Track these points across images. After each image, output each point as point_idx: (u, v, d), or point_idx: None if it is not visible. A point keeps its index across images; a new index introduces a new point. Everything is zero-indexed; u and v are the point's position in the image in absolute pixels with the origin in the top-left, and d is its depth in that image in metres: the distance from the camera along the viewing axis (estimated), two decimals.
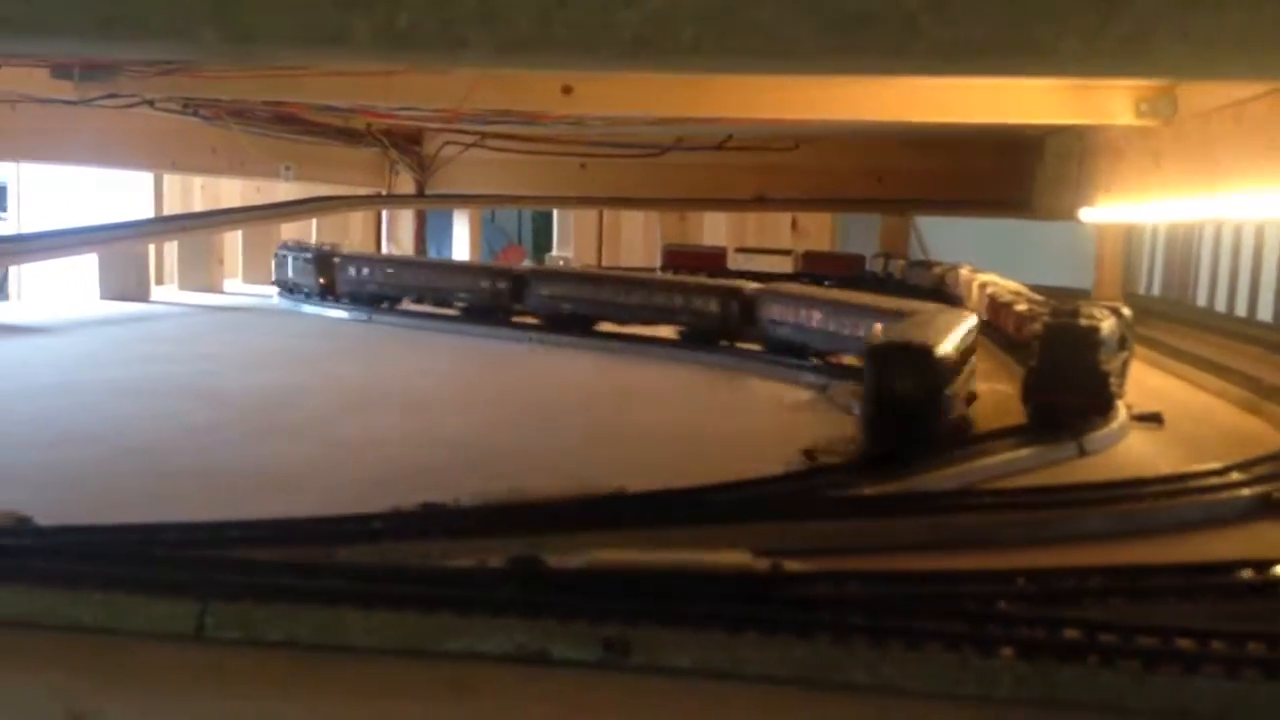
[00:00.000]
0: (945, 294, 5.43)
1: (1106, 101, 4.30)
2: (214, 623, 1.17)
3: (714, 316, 3.54)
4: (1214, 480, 1.96)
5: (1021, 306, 3.58)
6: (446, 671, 1.12)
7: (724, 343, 3.60)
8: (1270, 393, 2.93)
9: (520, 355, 3.70)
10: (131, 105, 4.82)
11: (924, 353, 2.02)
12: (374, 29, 0.90)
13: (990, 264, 7.17)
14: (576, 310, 3.87)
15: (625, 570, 1.30)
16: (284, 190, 6.72)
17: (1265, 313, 6.16)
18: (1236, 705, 1.09)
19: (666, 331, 3.81)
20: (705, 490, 1.72)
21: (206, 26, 0.82)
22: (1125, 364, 2.78)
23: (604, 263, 8.87)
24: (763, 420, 2.69)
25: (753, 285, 3.75)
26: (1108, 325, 2.46)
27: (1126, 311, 2.87)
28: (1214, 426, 2.79)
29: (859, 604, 1.25)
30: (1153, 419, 2.71)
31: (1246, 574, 1.39)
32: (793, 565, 1.41)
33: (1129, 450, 2.47)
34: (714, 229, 9.29)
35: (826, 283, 6.66)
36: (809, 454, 2.04)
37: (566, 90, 4.44)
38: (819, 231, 9.33)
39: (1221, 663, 1.12)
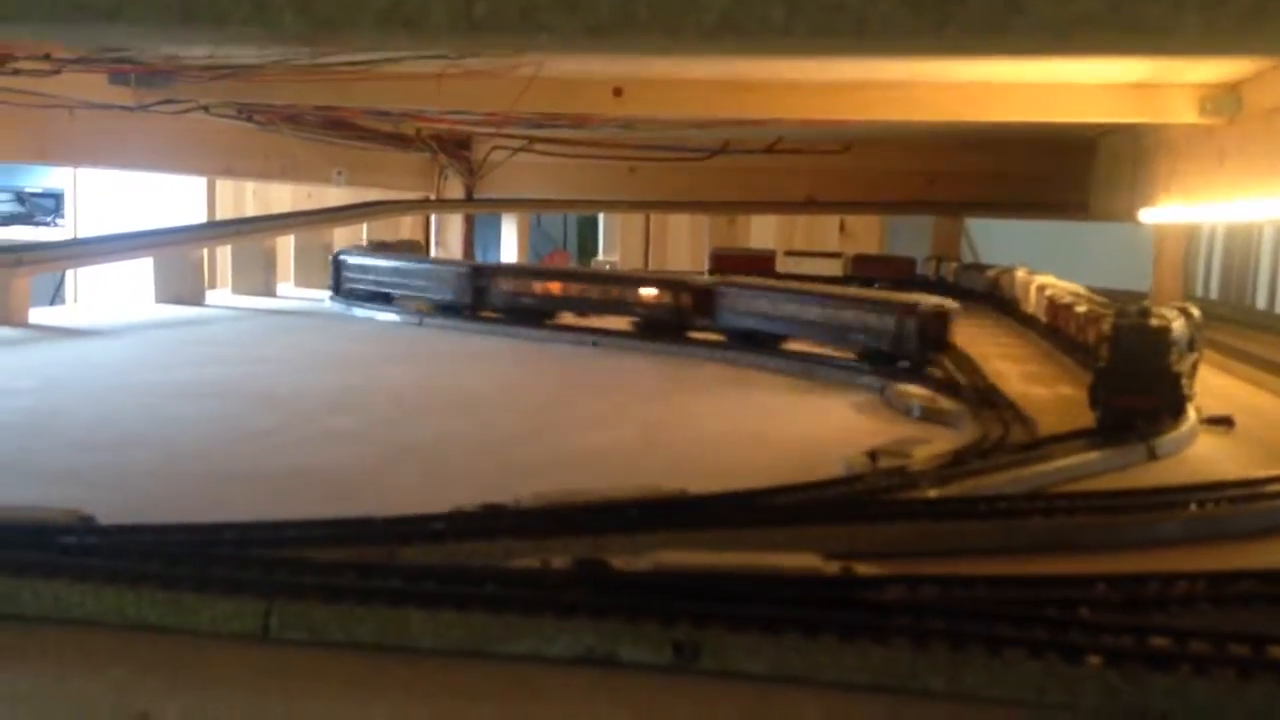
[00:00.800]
0: (999, 297, 5.35)
1: (1168, 100, 4.21)
2: (279, 623, 1.15)
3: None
4: None
5: (1082, 308, 3.49)
6: (512, 673, 1.10)
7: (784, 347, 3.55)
8: None
9: (585, 356, 3.69)
10: (187, 111, 4.89)
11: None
12: (451, 14, 0.88)
13: (1042, 266, 7.07)
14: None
15: (693, 572, 1.28)
16: (334, 195, 6.79)
17: None
18: None
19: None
20: (768, 492, 1.68)
21: (287, 12, 0.81)
22: (1195, 365, 2.70)
23: (650, 266, 8.86)
24: (823, 425, 2.64)
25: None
26: (1178, 325, 2.39)
27: (1195, 312, 2.78)
28: (1260, 424, 2.70)
29: (935, 609, 1.20)
30: (1224, 422, 2.63)
31: None
32: (863, 568, 1.38)
33: (1200, 454, 2.39)
34: (761, 232, 9.24)
35: (877, 285, 6.60)
36: (873, 456, 2.00)
37: (617, 92, 4.44)
38: (867, 234, 9.24)
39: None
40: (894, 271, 6.61)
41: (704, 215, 7.53)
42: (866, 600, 1.23)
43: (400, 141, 6.76)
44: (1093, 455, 2.11)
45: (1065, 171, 6.61)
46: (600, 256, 9.76)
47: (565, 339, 3.94)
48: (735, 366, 3.50)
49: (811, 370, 3.34)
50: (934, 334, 2.97)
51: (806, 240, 9.13)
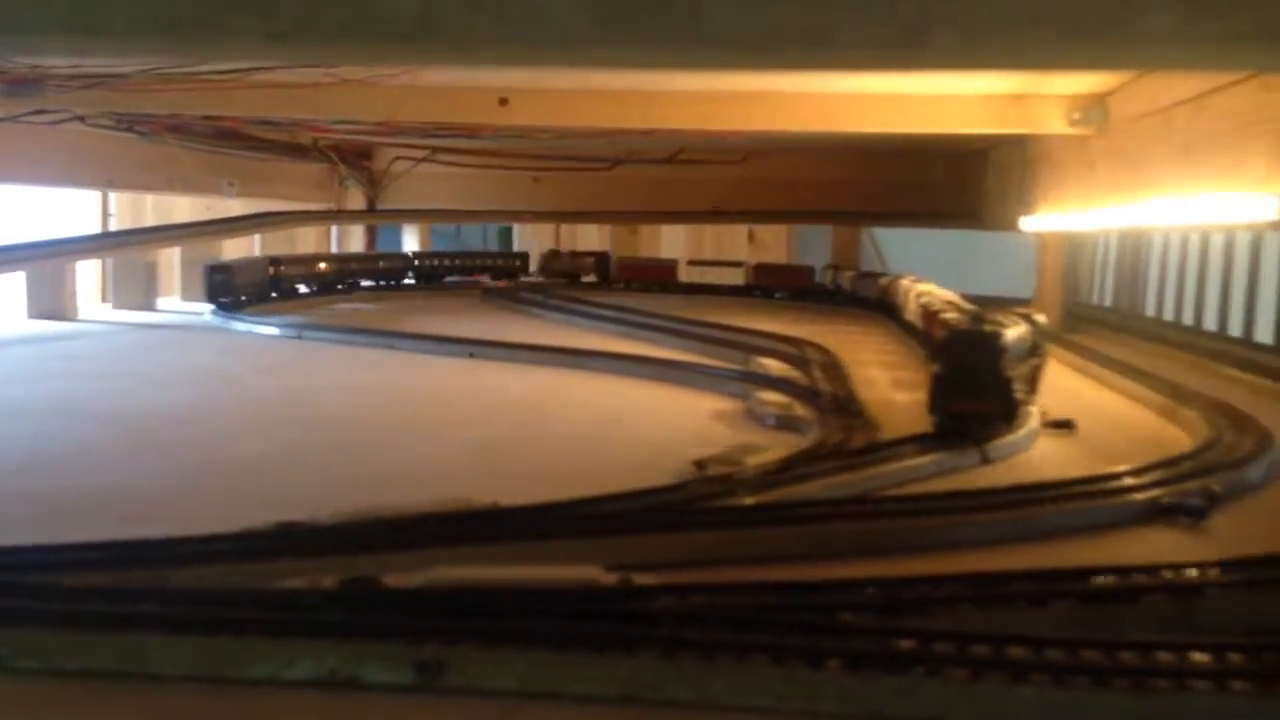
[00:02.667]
0: (889, 304, 5.43)
1: (1040, 111, 4.32)
2: (10, 651, 1.11)
3: None
4: (1105, 486, 1.94)
5: (950, 315, 3.56)
6: (247, 699, 1.07)
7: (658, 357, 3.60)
8: (1186, 398, 2.92)
9: (454, 368, 3.66)
10: (61, 121, 4.76)
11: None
12: (131, 18, 0.86)
13: (948, 274, 7.19)
14: None
15: (463, 588, 1.26)
16: (236, 208, 6.66)
17: (1210, 322, 6.20)
18: (1061, 714, 1.06)
19: (611, 344, 3.79)
20: (580, 503, 1.67)
21: None
22: (1037, 371, 2.76)
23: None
24: (678, 430, 2.65)
25: None
26: (1012, 332, 2.44)
27: (1041, 318, 2.85)
28: (1127, 432, 2.78)
29: (694, 617, 1.21)
30: (1065, 425, 2.70)
31: (1103, 580, 1.36)
32: (642, 578, 1.38)
33: (1037, 457, 2.45)
34: (672, 242, 9.29)
35: (777, 295, 6.68)
36: (699, 464, 2.00)
37: (503, 102, 4.42)
38: (776, 243, 9.35)
39: (1050, 671, 1.09)
40: (793, 280, 6.69)
41: (607, 225, 7.54)
42: (628, 611, 1.22)
43: (296, 152, 6.66)
44: (922, 460, 2.14)
45: (960, 182, 6.76)
46: None
47: (443, 350, 3.90)
48: (614, 373, 3.50)
49: (682, 376, 3.36)
50: None
51: (716, 249, 9.20)
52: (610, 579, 1.34)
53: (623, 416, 2.89)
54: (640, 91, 4.38)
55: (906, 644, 1.13)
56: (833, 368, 3.45)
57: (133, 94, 4.18)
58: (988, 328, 2.38)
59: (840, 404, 2.77)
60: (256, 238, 6.46)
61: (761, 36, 0.79)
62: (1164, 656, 1.13)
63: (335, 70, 3.86)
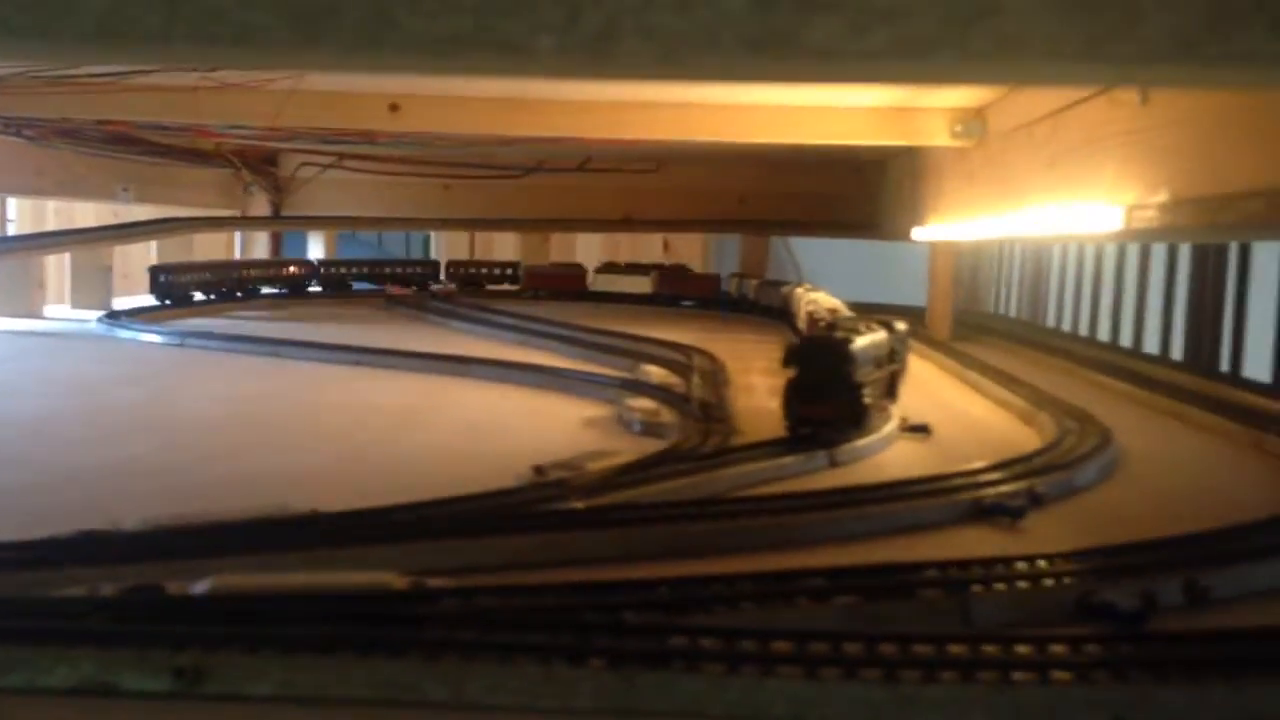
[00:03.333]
0: (788, 312, 5.51)
1: (923, 123, 4.43)
2: None
3: None
4: (932, 487, 1.99)
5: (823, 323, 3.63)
6: (3, 708, 1.06)
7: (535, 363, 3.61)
8: (1044, 403, 3.01)
9: (337, 376, 3.63)
10: None
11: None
12: None
13: (863, 283, 7.32)
14: None
15: (235, 595, 1.26)
16: (142, 213, 6.52)
17: (1104, 333, 6.40)
18: (810, 706, 1.09)
19: (505, 352, 3.78)
20: (397, 509, 1.68)
21: None
22: (895, 377, 2.83)
23: None
24: (545, 437, 2.66)
25: None
26: (863, 340, 2.49)
27: (901, 326, 2.92)
28: (983, 436, 2.85)
29: (477, 619, 1.22)
30: (921, 430, 2.77)
31: (883, 577, 1.40)
32: (437, 582, 1.38)
33: (889, 460, 2.50)
34: (587, 249, 9.31)
35: (685, 303, 6.73)
36: (538, 470, 2.02)
37: (394, 108, 4.40)
38: (690, 252, 9.43)
39: (802, 664, 1.12)
40: (700, 288, 6.75)
41: (518, 233, 7.53)
42: (412, 615, 1.23)
43: (198, 157, 6.54)
44: (763, 464, 2.18)
45: (863, 192, 6.88)
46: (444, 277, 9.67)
47: (329, 358, 3.87)
48: (483, 381, 3.50)
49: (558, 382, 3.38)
50: None
51: (631, 256, 9.23)
52: (401, 583, 1.35)
53: (495, 424, 2.89)
54: (533, 99, 4.39)
55: (675, 641, 1.16)
56: (713, 375, 3.49)
57: (13, 97, 4.09)
58: (838, 335, 2.44)
59: (706, 410, 2.80)
60: (153, 244, 6.33)
61: (448, 42, 0.80)
62: (920, 649, 1.17)
63: (215, 74, 3.81)
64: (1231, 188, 2.17)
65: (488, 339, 4.75)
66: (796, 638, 1.17)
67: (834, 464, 2.34)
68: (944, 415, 3.22)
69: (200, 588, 1.29)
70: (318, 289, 6.67)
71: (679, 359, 3.84)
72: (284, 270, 6.62)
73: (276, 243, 7.58)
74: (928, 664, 1.13)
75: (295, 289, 6.47)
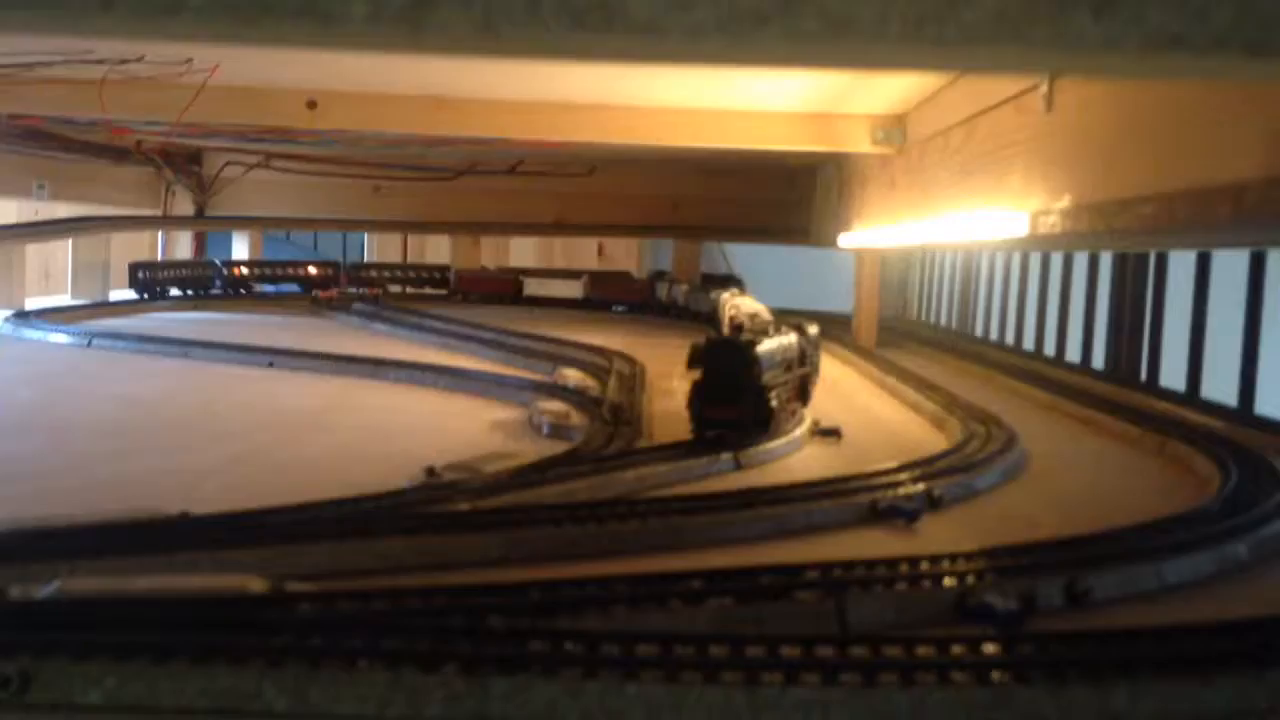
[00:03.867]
0: (717, 317, 5.50)
1: (845, 130, 4.45)
2: None
3: None
4: (829, 489, 1.98)
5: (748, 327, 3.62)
6: None
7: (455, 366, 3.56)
8: (955, 409, 3.03)
9: (246, 377, 3.53)
10: None
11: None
12: None
13: (799, 289, 7.36)
14: None
15: (76, 600, 1.20)
16: (63, 211, 6.34)
17: (1029, 342, 6.50)
18: (668, 710, 1.06)
19: (413, 354, 3.71)
20: (271, 512, 1.62)
21: None
22: (806, 380, 2.82)
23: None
24: (451, 439, 2.60)
25: None
26: (769, 343, 2.48)
27: (813, 330, 2.92)
28: (892, 440, 2.86)
29: (333, 625, 1.17)
30: (832, 433, 2.76)
31: (767, 580, 1.38)
32: (296, 587, 1.33)
33: (797, 462, 2.49)
34: (521, 253, 9.25)
35: (617, 308, 6.71)
36: (430, 472, 1.97)
37: (312, 105, 4.31)
38: (626, 256, 9.41)
39: (663, 667, 1.09)
40: (631, 293, 6.73)
41: (448, 235, 7.44)
42: (257, 620, 1.18)
43: (118, 155, 6.37)
44: (665, 466, 2.15)
45: (795, 199, 6.91)
46: None
47: (239, 359, 3.78)
48: (397, 383, 3.44)
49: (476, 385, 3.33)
50: None
51: (565, 260, 9.20)
52: (260, 587, 1.29)
53: (400, 426, 2.83)
54: (458, 99, 4.34)
55: (535, 645, 1.12)
56: (630, 378, 3.46)
57: None
58: (743, 337, 2.42)
59: (616, 412, 2.77)
60: (69, 242, 6.16)
61: (253, 7, 0.76)
62: (787, 651, 1.14)
63: (123, 67, 3.70)
64: (1127, 193, 2.19)
65: (412, 342, 4.68)
66: (661, 641, 1.14)
67: (740, 466, 2.32)
68: (859, 419, 3.22)
69: (44, 592, 1.23)
70: (242, 291, 6.55)
71: (600, 362, 3.81)
72: (192, 271, 6.56)
73: (200, 243, 7.42)
74: (791, 666, 1.11)
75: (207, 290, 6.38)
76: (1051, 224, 2.61)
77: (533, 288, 6.89)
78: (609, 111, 4.34)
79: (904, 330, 6.27)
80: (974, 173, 3.33)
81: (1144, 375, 4.74)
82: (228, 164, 7.00)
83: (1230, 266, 4.55)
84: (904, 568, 1.46)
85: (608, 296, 6.70)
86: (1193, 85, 1.96)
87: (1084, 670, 1.13)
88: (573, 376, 3.48)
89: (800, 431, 2.65)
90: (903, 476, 2.10)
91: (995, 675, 1.12)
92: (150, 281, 6.13)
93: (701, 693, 1.07)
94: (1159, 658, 1.16)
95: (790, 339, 2.68)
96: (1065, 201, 2.54)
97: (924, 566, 1.47)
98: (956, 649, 1.16)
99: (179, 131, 4.92)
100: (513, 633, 1.15)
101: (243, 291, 6.53)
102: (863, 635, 1.25)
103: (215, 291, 6.39)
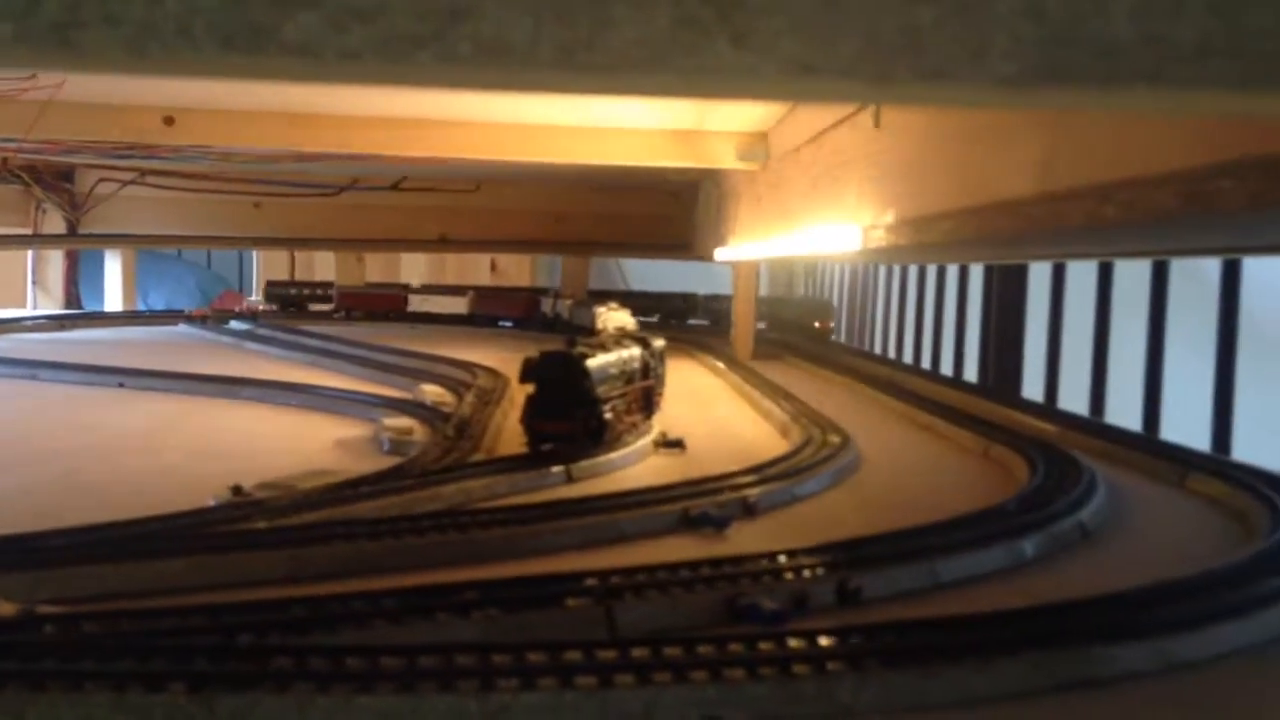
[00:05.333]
0: (595, 329, 5.53)
1: (711, 146, 4.54)
2: None
3: None
4: (644, 499, 2.02)
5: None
6: None
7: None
8: (799, 418, 3.10)
9: (90, 398, 3.45)
10: None
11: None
12: None
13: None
14: None
15: None
16: None
17: (909, 355, 6.68)
18: (403, 717, 1.08)
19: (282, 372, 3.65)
20: (51, 534, 1.58)
21: None
22: (650, 393, 2.86)
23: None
24: (288, 457, 2.56)
25: None
26: (606, 357, 2.51)
27: (659, 344, 2.96)
28: (736, 449, 2.90)
29: (67, 648, 1.15)
30: (675, 445, 2.80)
31: (537, 589, 1.40)
32: (47, 610, 1.31)
33: (638, 474, 2.51)
34: (412, 269, 9.17)
35: (503, 323, 6.70)
36: (236, 490, 1.95)
37: (169, 121, 4.24)
38: (519, 272, 9.40)
39: (399, 679, 1.10)
40: (516, 308, 6.73)
41: (332, 252, 7.35)
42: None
43: None
44: (489, 480, 2.16)
45: (678, 214, 7.00)
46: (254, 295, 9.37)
47: (88, 380, 3.68)
48: (251, 401, 3.39)
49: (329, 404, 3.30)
50: None
51: (458, 277, 9.13)
52: (8, 610, 1.27)
53: (234, 445, 2.79)
54: (319, 114, 4.31)
55: (279, 662, 1.12)
56: (490, 392, 3.46)
57: None
58: (575, 351, 2.45)
59: (461, 428, 2.77)
60: None
61: None
62: (533, 657, 1.16)
63: None
64: (933, 209, 2.28)
65: (283, 360, 4.60)
66: (406, 653, 1.15)
67: (571, 479, 2.34)
68: (711, 429, 3.28)
69: None
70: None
71: (464, 378, 3.80)
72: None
73: (72, 263, 7.19)
74: (527, 672, 1.13)
75: None
76: (879, 238, 2.70)
77: (417, 304, 6.84)
78: (474, 128, 4.35)
79: (790, 344, 6.35)
80: (821, 188, 3.42)
81: (1007, 385, 4.92)
82: (101, 180, 6.81)
83: (1083, 276, 4.76)
84: (685, 574, 1.49)
85: (493, 312, 6.69)
86: (985, 110, 2.06)
87: (813, 665, 1.18)
88: (431, 392, 3.47)
89: (643, 443, 2.69)
90: (719, 485, 2.15)
91: (728, 673, 1.16)
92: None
93: (435, 702, 1.08)
94: (887, 650, 1.21)
95: (632, 352, 2.72)
96: (889, 217, 2.64)
97: (702, 571, 1.51)
98: (700, 649, 1.19)
99: (33, 148, 4.77)
100: (257, 650, 1.15)
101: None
102: (633, 639, 1.28)
103: None
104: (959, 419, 3.28)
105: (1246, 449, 3.41)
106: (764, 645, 1.21)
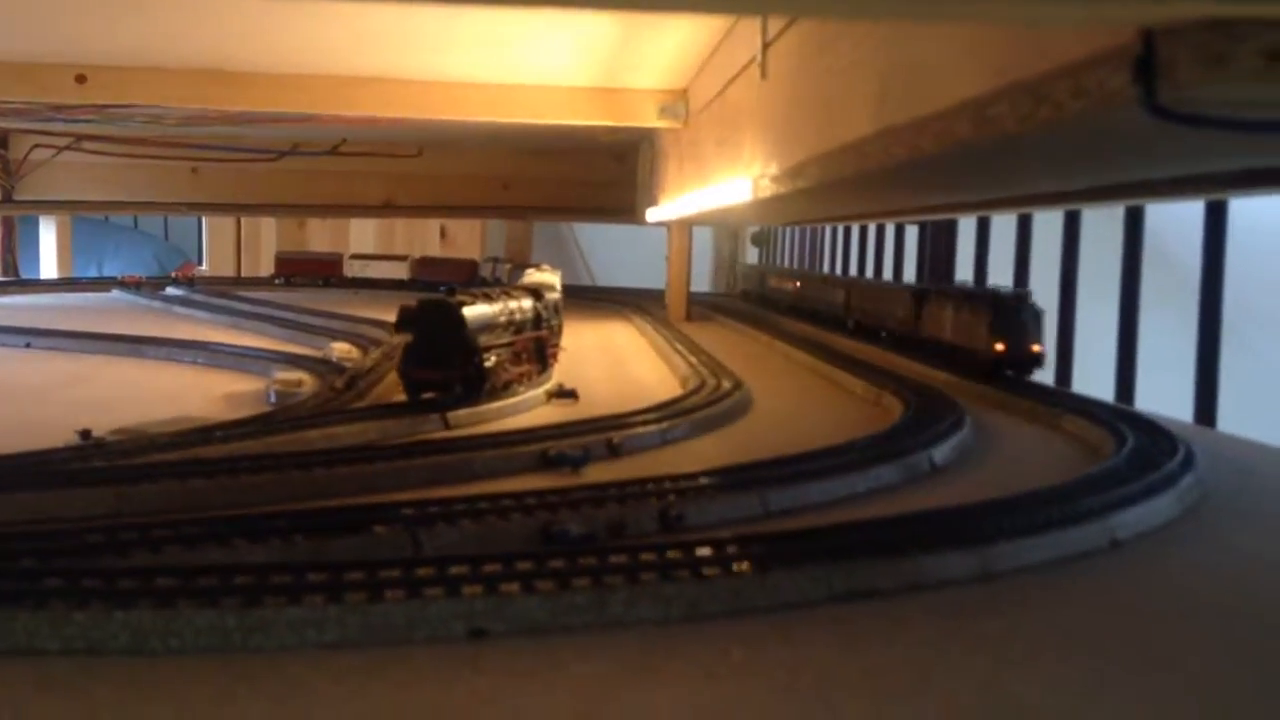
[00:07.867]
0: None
1: (636, 104, 4.52)
2: None
3: None
4: (507, 440, 2.03)
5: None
6: None
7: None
8: (701, 370, 3.12)
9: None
10: None
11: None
12: None
13: (647, 270, 7.42)
14: None
15: None
16: None
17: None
18: (157, 636, 1.09)
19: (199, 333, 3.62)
20: None
21: None
22: (542, 343, 2.87)
23: (244, 273, 8.49)
24: (160, 408, 2.55)
25: None
26: (487, 306, 2.52)
27: (553, 296, 2.97)
28: (636, 399, 2.90)
29: None
30: (568, 395, 2.82)
31: (342, 516, 1.41)
32: None
33: (524, 422, 2.51)
34: (361, 236, 9.11)
35: (442, 288, 6.68)
36: (84, 433, 1.94)
37: (80, 79, 4.18)
38: (469, 240, 9.36)
39: (154, 596, 1.11)
40: (455, 273, 6.71)
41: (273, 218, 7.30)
42: None
43: None
44: (359, 425, 2.16)
45: (621, 177, 6.98)
46: (204, 266, 9.30)
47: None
48: (155, 360, 3.37)
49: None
50: None
51: (406, 244, 9.10)
52: None
53: (126, 398, 2.78)
54: (234, 71, 4.26)
55: (50, 583, 1.13)
56: (398, 349, 3.46)
57: None
58: (452, 299, 2.45)
59: (351, 381, 2.77)
60: None
61: None
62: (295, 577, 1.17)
63: None
64: (802, 156, 2.30)
65: (207, 324, 4.58)
66: (181, 575, 1.16)
67: (449, 426, 2.35)
68: (618, 384, 3.30)
69: None
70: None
71: (378, 336, 3.80)
72: None
73: (9, 229, 7.10)
74: (293, 590, 1.14)
75: None
76: (766, 188, 2.71)
77: (356, 270, 6.82)
78: (393, 85, 4.31)
79: (733, 306, 6.35)
80: (725, 142, 3.43)
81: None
82: (36, 146, 6.72)
83: (1007, 229, 4.81)
84: (505, 503, 1.51)
85: (434, 278, 6.66)
86: (836, 58, 2.08)
87: (592, 579, 1.20)
88: (339, 349, 3.46)
89: (534, 393, 2.70)
90: (585, 429, 2.16)
91: (504, 587, 1.17)
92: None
93: (192, 616, 1.10)
94: (668, 567, 1.23)
95: (521, 303, 2.72)
96: (774, 167, 2.65)
97: (526, 501, 1.52)
98: (459, 568, 1.20)
99: None
100: (32, 572, 1.16)
101: None
102: (439, 557, 1.29)
103: None
104: (862, 371, 3.30)
105: (1149, 388, 3.49)
106: (550, 564, 1.23)
